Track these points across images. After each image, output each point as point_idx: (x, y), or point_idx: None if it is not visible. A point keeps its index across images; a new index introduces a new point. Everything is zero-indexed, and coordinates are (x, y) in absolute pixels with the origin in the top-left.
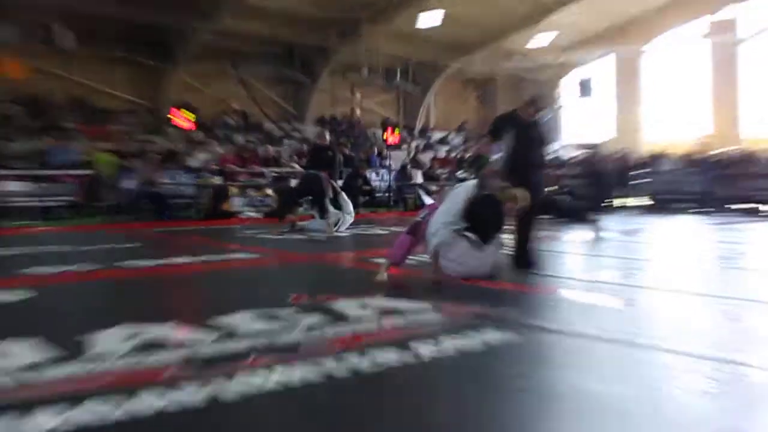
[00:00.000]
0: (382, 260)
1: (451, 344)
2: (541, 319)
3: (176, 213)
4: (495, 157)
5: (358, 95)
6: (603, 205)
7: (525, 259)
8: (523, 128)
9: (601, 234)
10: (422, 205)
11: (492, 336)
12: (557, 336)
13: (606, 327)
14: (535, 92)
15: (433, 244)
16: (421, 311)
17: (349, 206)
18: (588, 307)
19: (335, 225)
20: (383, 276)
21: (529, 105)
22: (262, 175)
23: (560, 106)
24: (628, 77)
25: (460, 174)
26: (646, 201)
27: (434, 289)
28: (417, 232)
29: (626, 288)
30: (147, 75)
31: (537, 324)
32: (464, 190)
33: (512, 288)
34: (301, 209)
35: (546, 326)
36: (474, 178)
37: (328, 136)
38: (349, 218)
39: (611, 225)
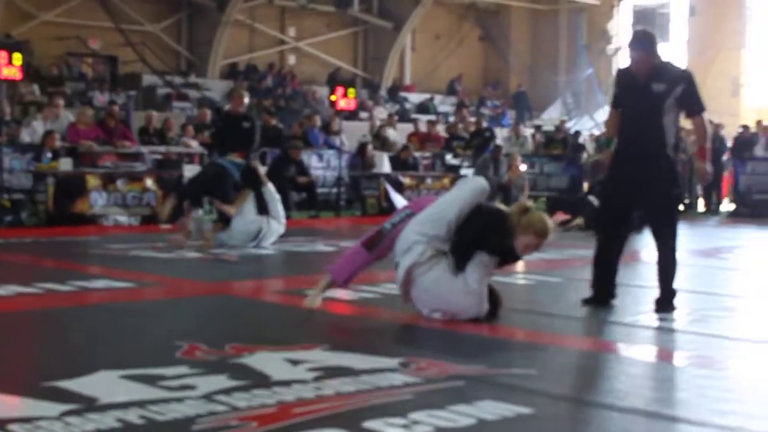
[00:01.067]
0: (340, 293)
1: (427, 422)
2: (567, 385)
3: None
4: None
5: (291, 32)
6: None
7: (606, 291)
8: (638, 92)
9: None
10: (390, 206)
11: (489, 409)
12: (590, 411)
13: (670, 399)
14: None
15: (404, 265)
16: (382, 370)
17: (278, 209)
18: (642, 366)
19: (255, 237)
20: (316, 300)
21: (640, 51)
22: (137, 157)
23: (617, 49)
24: (720, 8)
25: (454, 160)
26: (728, 204)
27: (403, 336)
28: (377, 246)
29: (703, 339)
30: None
31: (559, 392)
32: (471, 189)
33: (522, 337)
34: (201, 213)
35: (573, 395)
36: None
37: (246, 99)
38: (277, 227)
39: (683, 240)
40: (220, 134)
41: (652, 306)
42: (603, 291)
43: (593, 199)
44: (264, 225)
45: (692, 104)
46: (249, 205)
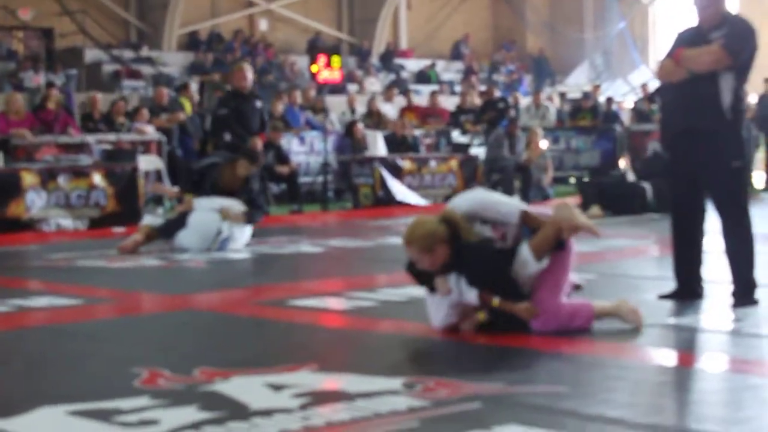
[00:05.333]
0: (331, 302)
1: None
2: (603, 404)
3: None
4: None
5: None
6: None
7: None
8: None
9: None
10: (387, 196)
11: None
12: None
13: (730, 418)
14: None
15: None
16: (381, 393)
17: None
18: (696, 379)
19: (214, 240)
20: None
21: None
22: (82, 148)
23: None
24: None
25: (462, 137)
26: None
27: (406, 351)
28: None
29: None
30: None
31: (593, 412)
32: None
33: (547, 347)
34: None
35: (611, 416)
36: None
37: (250, 75)
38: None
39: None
40: (233, 117)
41: (717, 303)
42: (685, 286)
43: (646, 186)
44: (225, 225)
45: (729, 43)
46: (208, 201)
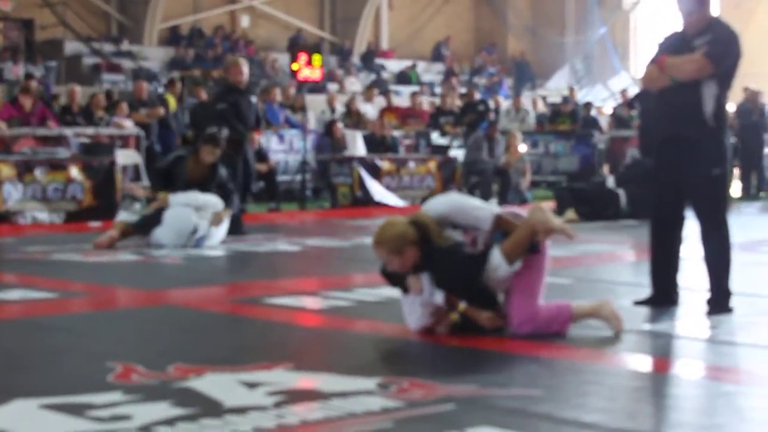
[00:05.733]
0: (307, 301)
1: None
2: (576, 408)
3: None
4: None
5: None
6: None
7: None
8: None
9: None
10: (365, 196)
11: None
12: None
13: (705, 424)
14: None
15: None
16: (356, 393)
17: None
18: (670, 384)
19: (190, 237)
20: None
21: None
22: (60, 141)
23: (636, 3)
24: None
25: (441, 139)
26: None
27: (381, 352)
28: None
29: (745, 350)
30: None
31: (567, 416)
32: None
33: (522, 350)
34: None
35: (584, 420)
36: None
37: (246, 70)
38: (223, 222)
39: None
40: (231, 112)
41: (691, 310)
42: (661, 293)
43: (620, 192)
44: (202, 223)
45: (711, 51)
46: (184, 197)
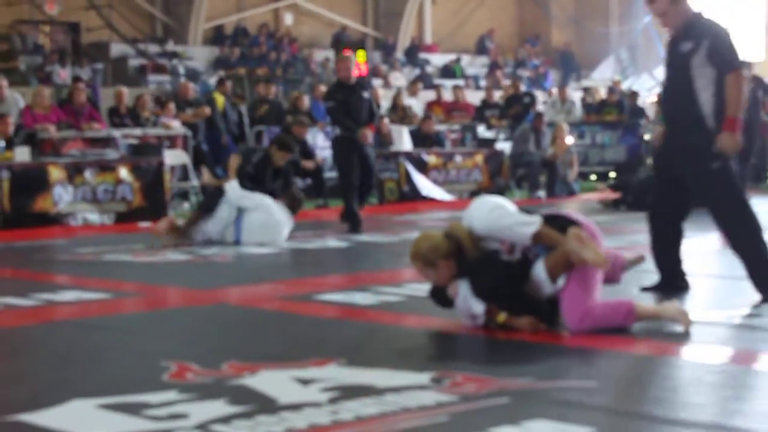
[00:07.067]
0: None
1: None
2: (633, 399)
3: None
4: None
5: None
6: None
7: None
8: (668, 54)
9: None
10: (412, 191)
11: (542, 430)
12: (662, 428)
13: (756, 412)
14: None
15: None
16: (410, 388)
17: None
18: (724, 374)
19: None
20: None
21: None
22: (108, 143)
23: None
24: None
25: (487, 132)
26: None
27: (434, 346)
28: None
29: None
30: None
31: (624, 407)
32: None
33: (576, 342)
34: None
35: (641, 411)
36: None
37: (353, 66)
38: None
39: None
40: (341, 109)
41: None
42: (667, 280)
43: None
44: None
45: (720, 60)
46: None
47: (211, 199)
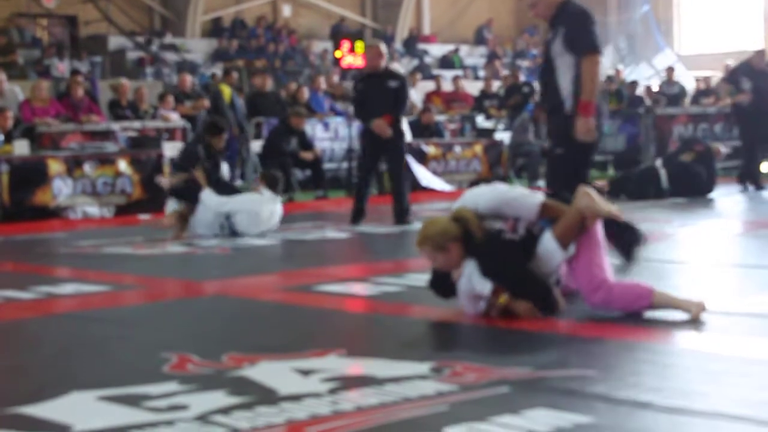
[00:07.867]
0: (357, 288)
1: None
2: (633, 387)
3: None
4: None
5: None
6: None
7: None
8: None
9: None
10: (412, 182)
11: (541, 419)
12: (661, 417)
13: (759, 401)
14: None
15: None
16: (410, 378)
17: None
18: (725, 361)
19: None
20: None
21: None
22: (107, 136)
23: None
24: None
25: (486, 122)
26: None
27: (434, 336)
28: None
29: None
30: None
31: (623, 396)
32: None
33: (575, 330)
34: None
35: (641, 399)
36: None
37: (384, 49)
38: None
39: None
40: (360, 99)
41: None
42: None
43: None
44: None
45: (576, 44)
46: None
47: (188, 192)
